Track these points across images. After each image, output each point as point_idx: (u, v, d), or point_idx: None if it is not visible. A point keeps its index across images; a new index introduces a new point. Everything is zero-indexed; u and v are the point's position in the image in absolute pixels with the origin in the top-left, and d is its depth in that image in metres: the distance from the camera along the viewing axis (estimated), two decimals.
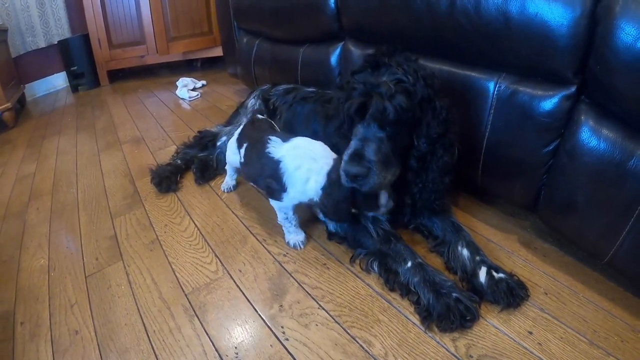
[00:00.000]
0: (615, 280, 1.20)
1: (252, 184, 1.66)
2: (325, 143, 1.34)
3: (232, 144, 1.59)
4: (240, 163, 1.52)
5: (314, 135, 1.49)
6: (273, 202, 1.39)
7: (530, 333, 1.05)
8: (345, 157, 1.16)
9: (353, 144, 1.17)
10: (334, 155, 1.27)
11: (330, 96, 1.62)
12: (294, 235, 1.42)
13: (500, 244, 1.37)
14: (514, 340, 1.04)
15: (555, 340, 1.03)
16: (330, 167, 1.22)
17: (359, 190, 1.17)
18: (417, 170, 1.25)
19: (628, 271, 1.10)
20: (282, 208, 1.37)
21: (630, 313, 1.10)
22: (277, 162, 1.29)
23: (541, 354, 1.00)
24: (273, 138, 1.35)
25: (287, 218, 1.39)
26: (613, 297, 1.15)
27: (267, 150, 1.33)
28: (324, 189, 1.22)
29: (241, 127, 1.58)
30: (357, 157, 1.14)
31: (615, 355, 0.99)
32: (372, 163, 1.13)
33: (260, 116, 1.60)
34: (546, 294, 1.17)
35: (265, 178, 1.35)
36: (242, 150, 1.48)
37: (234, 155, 1.57)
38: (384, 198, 1.21)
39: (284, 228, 1.43)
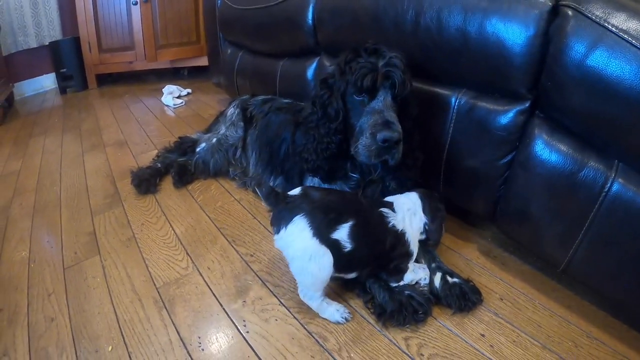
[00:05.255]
0: (572, 288, 1.25)
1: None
2: (292, 148, 1.42)
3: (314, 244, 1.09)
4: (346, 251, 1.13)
5: (284, 142, 1.59)
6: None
7: (483, 336, 1.11)
8: (375, 127, 1.17)
9: (377, 115, 1.19)
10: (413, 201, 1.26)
11: (302, 106, 1.70)
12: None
13: (459, 251, 1.44)
14: (466, 342, 1.09)
15: (508, 343, 1.08)
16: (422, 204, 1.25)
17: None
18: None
19: (582, 278, 1.17)
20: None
21: (586, 320, 1.15)
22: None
23: (492, 355, 1.05)
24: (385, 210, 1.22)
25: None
26: (569, 304, 1.20)
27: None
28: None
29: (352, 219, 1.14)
30: (389, 124, 1.16)
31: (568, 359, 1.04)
32: (400, 130, 1.17)
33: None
34: (502, 299, 1.23)
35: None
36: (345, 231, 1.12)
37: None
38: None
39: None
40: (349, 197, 1.25)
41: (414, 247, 1.22)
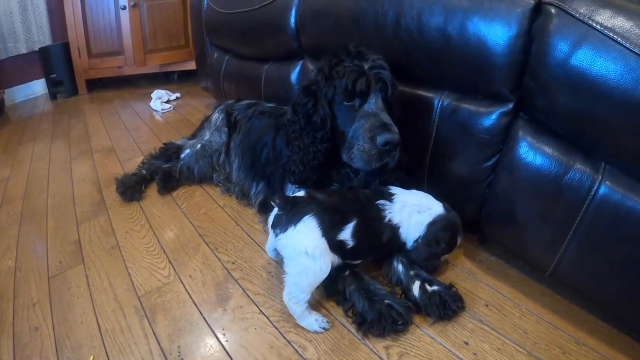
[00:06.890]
0: (560, 292, 1.23)
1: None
2: (273, 153, 1.44)
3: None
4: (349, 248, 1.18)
5: (265, 147, 1.59)
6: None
7: (467, 343, 1.08)
8: (373, 131, 1.16)
9: (373, 119, 1.18)
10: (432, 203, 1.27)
11: (284, 110, 1.68)
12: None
13: None
14: (449, 350, 1.07)
15: (492, 351, 1.06)
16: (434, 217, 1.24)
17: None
18: None
19: (570, 282, 1.15)
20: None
21: (574, 325, 1.12)
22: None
23: None
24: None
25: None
26: (557, 309, 1.18)
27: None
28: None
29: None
30: (387, 126, 1.15)
31: None
32: (398, 132, 1.16)
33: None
34: (487, 305, 1.20)
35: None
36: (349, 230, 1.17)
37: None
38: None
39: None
40: (349, 196, 1.25)
41: (411, 238, 1.25)
